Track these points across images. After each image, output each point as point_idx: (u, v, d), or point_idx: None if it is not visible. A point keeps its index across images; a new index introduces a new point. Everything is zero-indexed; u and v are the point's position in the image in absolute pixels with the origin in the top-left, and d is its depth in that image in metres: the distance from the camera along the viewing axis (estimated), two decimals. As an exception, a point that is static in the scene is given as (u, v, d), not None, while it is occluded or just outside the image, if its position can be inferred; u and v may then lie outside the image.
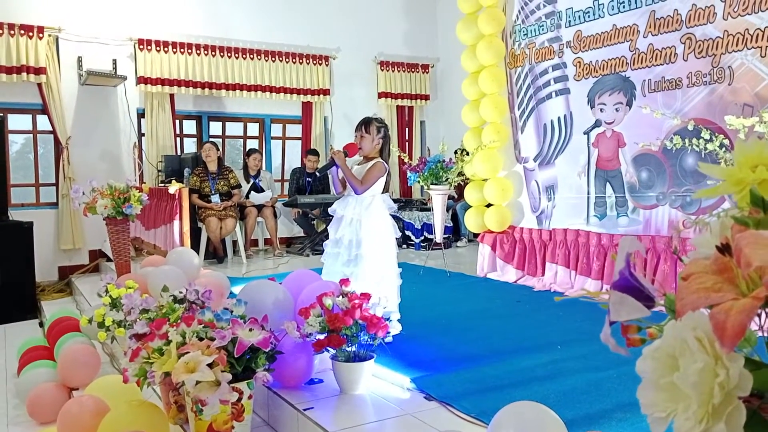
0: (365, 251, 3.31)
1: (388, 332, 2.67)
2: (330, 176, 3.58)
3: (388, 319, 2.77)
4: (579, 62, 4.58)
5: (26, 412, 3.52)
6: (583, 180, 4.67)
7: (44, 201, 7.08)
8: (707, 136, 3.29)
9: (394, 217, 7.61)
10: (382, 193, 3.49)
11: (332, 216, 3.53)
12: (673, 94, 3.91)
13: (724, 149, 3.24)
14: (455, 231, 7.95)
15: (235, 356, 2.41)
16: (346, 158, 3.43)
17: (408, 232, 7.81)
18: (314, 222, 7.76)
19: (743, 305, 0.60)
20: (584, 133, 4.63)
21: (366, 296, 2.72)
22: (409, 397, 2.69)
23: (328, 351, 2.66)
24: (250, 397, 2.52)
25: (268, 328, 2.59)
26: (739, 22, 3.54)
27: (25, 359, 4.19)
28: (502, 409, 1.84)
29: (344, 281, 2.84)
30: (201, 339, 2.51)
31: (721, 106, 3.66)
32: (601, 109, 4.48)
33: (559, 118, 4.84)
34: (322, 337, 2.64)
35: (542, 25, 4.87)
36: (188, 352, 2.38)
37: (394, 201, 8.12)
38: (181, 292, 2.98)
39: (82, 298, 5.96)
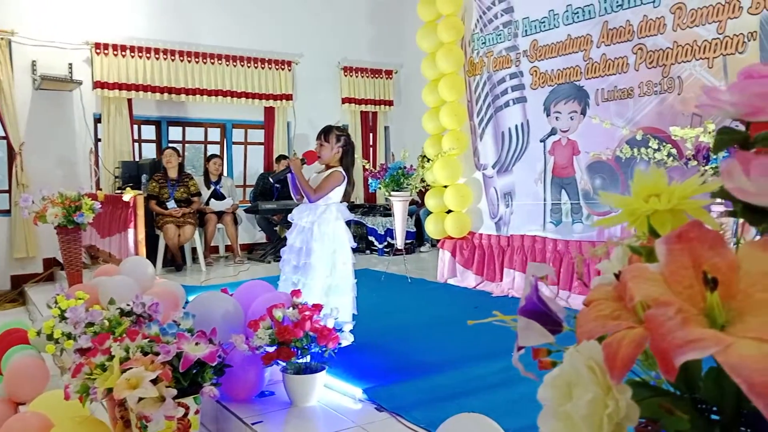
0: (314, 260, 3.30)
1: (339, 343, 2.65)
2: (289, 183, 3.54)
3: (340, 330, 2.75)
4: (535, 71, 4.64)
5: (-31, 428, 3.39)
6: (540, 187, 4.72)
7: (-4, 208, 6.88)
8: (655, 146, 3.35)
9: (357, 222, 7.66)
10: (342, 201, 3.46)
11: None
12: (626, 103, 3.98)
13: (672, 158, 3.31)
14: (419, 236, 7.97)
15: (181, 371, 2.37)
16: (307, 166, 3.41)
17: (371, 238, 7.80)
18: (277, 228, 7.70)
19: (634, 336, 0.60)
20: (540, 141, 4.68)
21: (317, 307, 2.70)
22: (360, 409, 2.67)
23: (278, 364, 2.63)
24: (197, 413, 2.47)
25: (217, 341, 2.55)
26: (687, 34, 3.62)
27: (-30, 373, 4.04)
28: (445, 422, 1.84)
29: (296, 292, 2.81)
30: (146, 354, 2.45)
31: (671, 115, 3.73)
32: (556, 118, 4.54)
33: (516, 126, 4.88)
34: (271, 349, 2.60)
35: (500, 34, 4.91)
36: (131, 368, 2.33)
37: (358, 207, 8.16)
38: (128, 305, 2.92)
39: (35, 309, 5.80)
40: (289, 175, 3.43)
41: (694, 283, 0.56)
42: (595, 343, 0.66)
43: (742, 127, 0.62)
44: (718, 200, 0.61)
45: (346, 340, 2.73)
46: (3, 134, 6.65)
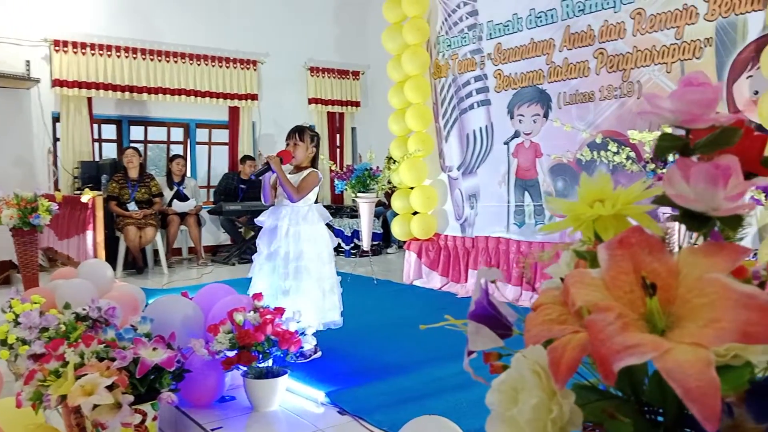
0: (308, 263, 3.21)
1: (302, 347, 2.63)
2: (263, 183, 3.42)
3: (302, 333, 2.73)
4: (499, 74, 4.68)
5: None
6: (504, 189, 4.76)
7: (-52, 209, 6.63)
8: (615, 149, 3.41)
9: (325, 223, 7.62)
10: (315, 202, 3.41)
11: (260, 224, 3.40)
12: (587, 106, 4.04)
13: (631, 161, 3.37)
14: (385, 238, 7.97)
15: (138, 377, 2.31)
16: (283, 166, 3.29)
17: (338, 239, 7.77)
18: (242, 229, 7.61)
19: (579, 341, 0.60)
20: (504, 144, 4.73)
21: (279, 311, 2.67)
22: (322, 412, 2.65)
23: (238, 368, 2.59)
24: (154, 419, 2.42)
25: (176, 346, 2.50)
26: (647, 39, 3.70)
27: None
28: (406, 424, 1.83)
29: (257, 295, 2.77)
30: (102, 359, 2.39)
31: (631, 119, 3.80)
32: (519, 120, 4.58)
33: (481, 129, 4.92)
34: (232, 354, 2.56)
35: (465, 37, 4.95)
36: (86, 374, 2.27)
37: (325, 208, 8.12)
38: (84, 309, 2.84)
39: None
40: (264, 175, 3.33)
41: (635, 289, 0.57)
42: (540, 347, 0.66)
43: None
44: (661, 206, 0.62)
45: (309, 343, 2.71)
46: (-44, 133, 6.43)
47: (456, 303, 4.67)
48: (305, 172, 3.32)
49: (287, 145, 3.41)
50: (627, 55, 3.80)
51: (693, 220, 0.58)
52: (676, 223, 0.65)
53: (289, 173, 3.40)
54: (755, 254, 3.06)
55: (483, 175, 4.96)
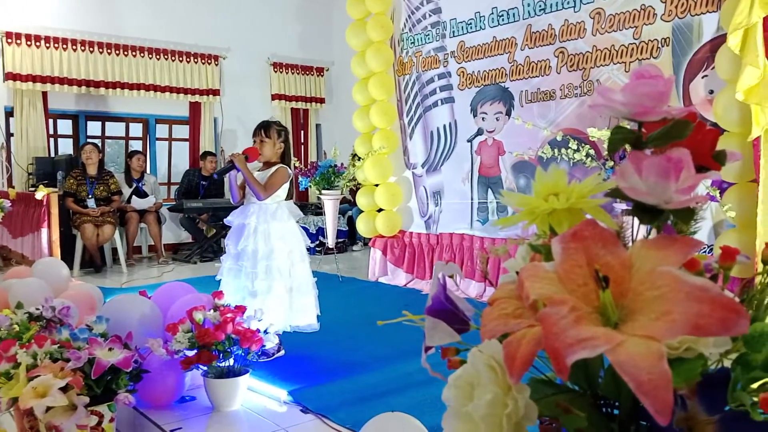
0: (277, 262, 3.12)
1: (263, 345, 2.59)
2: (228, 181, 3.31)
3: (265, 332, 2.70)
4: (462, 72, 4.70)
5: None
6: (467, 186, 4.79)
7: None
8: (575, 147, 3.46)
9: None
10: (286, 199, 3.30)
11: (222, 221, 3.33)
12: (548, 105, 4.09)
13: (590, 159, 3.43)
14: (351, 235, 7.94)
15: (93, 378, 2.25)
16: (248, 163, 3.20)
17: (302, 237, 7.72)
18: (204, 228, 7.49)
19: (534, 335, 0.59)
20: (468, 141, 4.76)
21: (240, 309, 2.63)
22: (285, 411, 2.63)
23: (198, 368, 2.54)
24: (111, 420, 2.36)
25: (133, 346, 2.44)
26: (606, 38, 3.76)
27: None
28: (368, 422, 1.82)
29: (217, 294, 2.73)
30: (56, 360, 2.32)
31: (591, 117, 3.86)
32: (482, 118, 4.62)
33: (444, 126, 4.94)
34: (191, 353, 2.52)
35: (428, 35, 4.96)
36: (39, 375, 2.20)
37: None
38: (37, 309, 2.75)
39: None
40: (230, 174, 3.23)
41: (588, 282, 0.57)
42: (496, 342, 0.66)
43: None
44: (615, 199, 0.62)
45: (271, 342, 2.68)
46: None
47: (421, 300, 4.68)
48: (272, 169, 3.23)
49: (254, 141, 3.33)
50: (587, 54, 3.86)
51: (645, 213, 0.58)
52: (631, 217, 0.65)
53: (258, 170, 3.31)
54: (710, 249, 3.14)
55: (447, 173, 4.99)
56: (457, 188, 4.90)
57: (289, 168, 3.30)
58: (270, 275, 3.09)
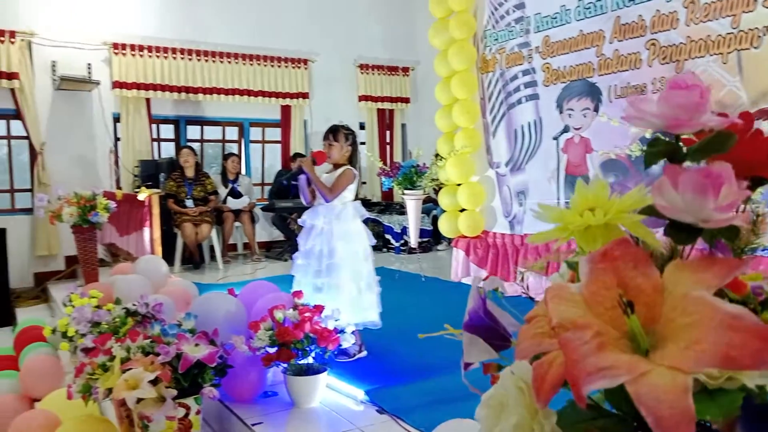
0: (338, 260, 3.23)
1: (340, 345, 2.64)
2: (299, 185, 3.46)
3: (342, 331, 2.75)
4: (547, 68, 4.57)
5: (-15, 424, 3.47)
6: (553, 185, 4.65)
7: (19, 207, 7.01)
8: (666, 144, 3.27)
9: (374, 220, 7.64)
10: (354, 200, 3.41)
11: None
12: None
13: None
14: (435, 234, 7.92)
15: (180, 372, 2.38)
16: (315, 166, 3.36)
17: (388, 236, 7.78)
18: (295, 227, 7.72)
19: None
20: (553, 139, 4.61)
21: (318, 309, 2.70)
22: (361, 411, 2.66)
23: (278, 365, 2.63)
24: (198, 413, 2.49)
25: (219, 342, 2.56)
26: (701, 29, 3.53)
27: (-10, 369, 4.13)
28: (437, 427, 1.81)
29: (297, 293, 2.81)
30: (147, 354, 2.47)
31: (686, 112, 3.63)
32: (569, 115, 4.46)
33: (529, 124, 4.82)
34: (272, 350, 2.60)
35: (512, 31, 4.85)
36: (131, 368, 2.35)
37: (374, 204, 8.15)
38: (133, 305, 2.95)
39: (56, 306, 5.91)
40: (300, 177, 3.37)
41: (618, 305, 0.54)
42: (526, 363, 0.64)
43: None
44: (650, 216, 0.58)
45: (347, 342, 2.72)
46: (25, 134, 6.77)
47: (504, 302, 4.60)
48: (339, 171, 3.35)
49: (323, 145, 3.47)
50: (680, 45, 3.64)
51: (680, 232, 0.54)
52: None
53: (327, 172, 3.45)
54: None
55: (532, 172, 4.86)
56: (542, 188, 4.76)
57: (356, 170, 3.38)
58: (332, 273, 3.20)
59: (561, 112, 4.54)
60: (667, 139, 0.57)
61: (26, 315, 5.74)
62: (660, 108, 0.53)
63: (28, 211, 6.95)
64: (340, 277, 3.22)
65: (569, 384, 0.50)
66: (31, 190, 6.93)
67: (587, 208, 0.65)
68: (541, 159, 4.74)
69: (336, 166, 3.43)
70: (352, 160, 3.45)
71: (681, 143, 0.56)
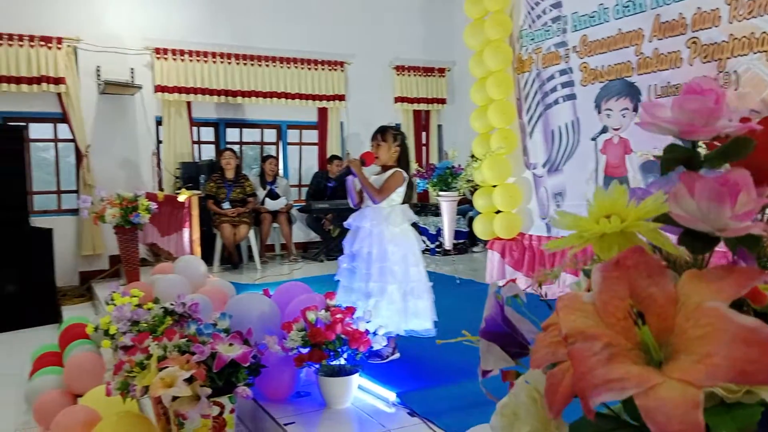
0: (392, 265, 3.15)
1: (371, 347, 2.65)
2: (346, 186, 3.41)
3: (374, 333, 2.75)
4: (585, 67, 4.49)
5: (33, 418, 3.60)
6: (591, 187, 4.57)
7: (65, 208, 7.24)
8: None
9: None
10: (403, 203, 3.33)
11: (344, 221, 3.40)
12: (679, 99, 3.79)
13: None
14: (471, 236, 7.86)
15: (214, 371, 2.42)
16: (365, 167, 3.30)
17: (423, 237, 7.75)
18: (330, 228, 7.78)
19: (579, 367, 0.56)
20: (592, 139, 4.53)
21: (350, 310, 2.71)
22: (393, 413, 2.66)
23: (310, 366, 2.65)
24: (232, 411, 2.53)
25: (252, 342, 2.59)
26: (744, 26, 3.42)
27: (37, 364, 4.28)
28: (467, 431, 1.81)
29: (329, 294, 2.83)
30: (183, 353, 2.52)
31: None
32: (607, 115, 4.38)
33: (566, 124, 4.75)
34: (305, 351, 2.63)
35: (548, 30, 4.79)
36: (167, 367, 2.40)
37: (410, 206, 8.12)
38: (171, 304, 3.01)
39: (100, 304, 6.08)
40: (347, 178, 3.32)
41: (629, 315, 0.52)
42: (539, 372, 0.63)
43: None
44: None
45: (379, 344, 2.73)
46: (71, 137, 7.00)
47: (540, 305, 4.54)
48: (388, 173, 3.28)
49: (371, 146, 3.40)
50: (722, 44, 3.53)
51: (697, 241, 0.52)
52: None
53: (376, 174, 3.39)
54: None
55: (569, 173, 4.79)
56: (580, 189, 4.68)
57: (406, 172, 3.31)
58: (383, 277, 3.13)
59: (599, 113, 4.46)
60: (685, 144, 0.56)
61: (72, 313, 5.93)
62: (674, 114, 0.52)
63: (74, 211, 7.16)
64: (389, 281, 3.15)
65: (579, 396, 0.50)
66: (76, 192, 7.15)
67: (605, 214, 0.63)
68: (579, 160, 4.66)
69: (385, 168, 3.36)
70: (401, 161, 3.38)
71: (698, 148, 0.54)
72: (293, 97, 8.07)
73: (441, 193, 5.52)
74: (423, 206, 8.24)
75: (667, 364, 0.50)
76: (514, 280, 0.78)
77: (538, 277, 0.71)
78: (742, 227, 0.50)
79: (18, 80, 6.58)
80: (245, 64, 7.78)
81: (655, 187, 0.64)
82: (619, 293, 0.53)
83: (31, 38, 6.63)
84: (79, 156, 7.08)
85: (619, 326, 0.53)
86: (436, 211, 7.84)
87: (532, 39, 4.96)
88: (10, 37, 6.55)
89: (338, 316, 2.62)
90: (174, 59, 7.39)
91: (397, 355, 3.23)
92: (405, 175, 3.31)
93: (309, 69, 8.14)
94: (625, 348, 0.51)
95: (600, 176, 4.52)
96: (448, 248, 5.93)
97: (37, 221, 6.63)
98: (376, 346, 2.74)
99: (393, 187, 3.25)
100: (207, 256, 6.46)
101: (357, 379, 2.72)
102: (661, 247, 0.60)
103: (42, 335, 5.50)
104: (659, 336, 0.52)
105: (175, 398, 2.36)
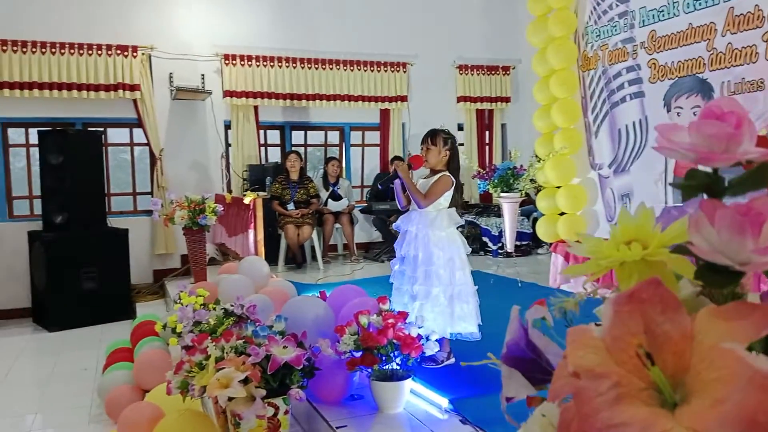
0: (438, 268, 3.16)
1: (423, 352, 2.63)
2: (394, 189, 3.42)
3: (427, 338, 2.74)
4: (654, 64, 4.30)
5: (105, 411, 3.79)
6: (661, 188, 4.38)
7: (141, 209, 7.58)
8: (786, 145, 2.98)
9: (471, 222, 7.54)
10: (450, 207, 3.31)
11: None
12: (754, 96, 3.57)
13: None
14: (536, 237, 7.69)
15: (269, 373, 2.47)
16: (412, 171, 3.30)
17: (485, 239, 7.66)
18: (391, 228, 7.80)
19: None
20: (660, 139, 4.34)
21: (402, 315, 2.70)
22: (445, 419, 2.64)
23: (363, 369, 2.66)
24: (286, 413, 2.57)
25: (307, 344, 2.63)
26: (830, 16, 3.19)
27: (110, 359, 4.50)
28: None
29: (382, 299, 2.83)
30: (240, 354, 2.59)
31: (812, 108, 3.30)
32: (678, 113, 4.18)
33: (633, 123, 4.57)
34: (357, 355, 2.64)
35: (615, 26, 4.61)
36: (224, 368, 2.47)
37: (472, 207, 8.04)
38: (231, 306, 3.10)
39: (171, 301, 6.34)
40: (395, 181, 3.33)
41: (637, 356, 0.49)
42: (554, 406, 0.60)
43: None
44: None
45: (431, 349, 2.71)
46: (145, 141, 7.32)
47: (580, 321, 4.39)
48: (436, 177, 3.27)
49: (421, 149, 3.40)
50: (805, 35, 3.31)
51: (715, 275, 0.49)
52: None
53: (424, 177, 3.38)
54: None
55: (637, 173, 4.60)
56: (649, 190, 4.50)
57: (455, 176, 3.28)
58: (429, 281, 3.13)
59: (669, 111, 4.26)
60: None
61: (145, 310, 6.20)
62: (692, 139, 0.48)
63: (149, 212, 7.48)
64: (434, 284, 3.14)
65: (580, 438, 0.47)
66: (150, 193, 7.47)
67: (627, 239, 0.60)
68: (648, 160, 4.47)
69: (433, 171, 3.35)
70: (451, 165, 3.35)
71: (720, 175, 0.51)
72: (356, 99, 8.14)
73: (502, 194, 5.43)
74: (485, 207, 8.14)
75: (681, 406, 0.47)
76: (542, 302, 0.75)
77: (557, 304, 0.69)
78: (767, 261, 0.46)
79: (96, 88, 6.94)
80: (310, 67, 7.91)
81: (692, 207, 0.60)
82: (631, 329, 0.50)
83: (109, 47, 6.97)
84: (153, 159, 7.39)
85: (631, 364, 0.49)
86: (498, 212, 7.72)
87: (598, 35, 4.79)
88: (90, 47, 6.91)
89: (390, 321, 2.62)
90: (242, 65, 7.60)
91: (452, 360, 3.20)
92: (452, 179, 3.28)
93: (372, 71, 8.19)
94: (636, 388, 0.48)
95: (670, 177, 4.33)
96: (509, 250, 5.82)
97: (114, 221, 6.98)
98: (429, 352, 2.72)
99: (440, 192, 3.23)
100: (272, 256, 6.62)
101: (409, 384, 2.71)
102: (689, 276, 0.56)
103: (117, 331, 5.78)
104: (675, 376, 0.48)
105: (231, 398, 2.42)
